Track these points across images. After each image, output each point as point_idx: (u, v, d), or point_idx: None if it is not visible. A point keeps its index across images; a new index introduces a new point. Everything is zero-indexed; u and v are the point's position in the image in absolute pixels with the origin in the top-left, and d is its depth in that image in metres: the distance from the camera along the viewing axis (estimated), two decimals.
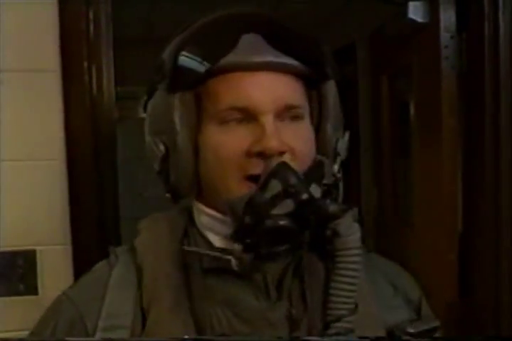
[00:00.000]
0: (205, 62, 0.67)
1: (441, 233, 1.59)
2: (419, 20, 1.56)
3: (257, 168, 0.65)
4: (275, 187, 0.63)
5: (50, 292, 1.20)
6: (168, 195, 0.73)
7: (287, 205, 0.63)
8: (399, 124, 2.06)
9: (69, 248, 1.22)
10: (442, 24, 1.50)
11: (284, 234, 0.63)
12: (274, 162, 0.65)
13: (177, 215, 0.76)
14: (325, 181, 0.70)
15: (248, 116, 0.66)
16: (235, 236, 0.65)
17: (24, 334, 1.16)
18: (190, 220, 0.74)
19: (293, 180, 0.63)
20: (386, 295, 0.75)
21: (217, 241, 0.71)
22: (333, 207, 0.63)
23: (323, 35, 0.74)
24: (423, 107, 1.73)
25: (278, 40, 0.68)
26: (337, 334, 0.65)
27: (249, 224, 0.63)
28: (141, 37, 2.61)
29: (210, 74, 0.67)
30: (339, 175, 0.73)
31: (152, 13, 2.66)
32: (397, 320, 0.72)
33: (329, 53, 0.72)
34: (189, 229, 0.74)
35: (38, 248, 1.21)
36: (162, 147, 0.69)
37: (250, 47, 0.67)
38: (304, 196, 0.63)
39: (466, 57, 1.50)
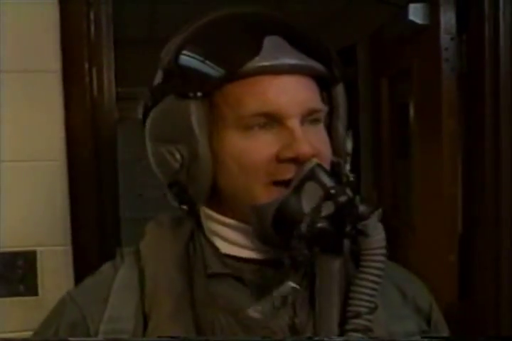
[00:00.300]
0: (228, 67, 0.64)
1: (442, 234, 1.59)
2: (420, 22, 1.56)
3: (288, 173, 0.64)
4: (313, 189, 0.62)
5: (50, 293, 1.21)
6: (184, 206, 0.71)
7: (328, 207, 0.62)
8: (399, 126, 2.06)
9: (69, 249, 1.22)
10: (442, 26, 1.50)
11: (325, 237, 0.63)
12: (308, 165, 0.63)
13: (183, 218, 0.74)
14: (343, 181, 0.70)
15: (272, 120, 0.64)
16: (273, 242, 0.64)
17: (24, 334, 1.17)
18: (197, 224, 0.73)
19: (331, 182, 0.63)
20: (394, 303, 0.74)
21: (224, 246, 0.69)
22: (362, 208, 0.63)
23: (323, 37, 0.74)
24: (423, 109, 1.74)
25: (299, 42, 0.66)
26: (354, 330, 0.64)
27: (288, 230, 0.62)
28: (141, 37, 2.61)
29: (232, 78, 0.64)
30: (352, 175, 0.71)
31: (153, 13, 2.66)
32: (406, 330, 0.71)
33: (335, 54, 0.71)
34: (195, 233, 0.72)
35: (38, 249, 1.21)
36: (178, 156, 0.66)
37: (275, 49, 0.64)
38: (344, 198, 0.62)
39: (466, 59, 1.50)
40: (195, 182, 0.67)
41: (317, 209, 0.62)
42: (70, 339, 0.68)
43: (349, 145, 0.73)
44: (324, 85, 0.70)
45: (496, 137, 1.42)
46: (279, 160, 0.64)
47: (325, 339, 0.66)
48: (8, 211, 1.20)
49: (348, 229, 0.63)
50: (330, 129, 0.71)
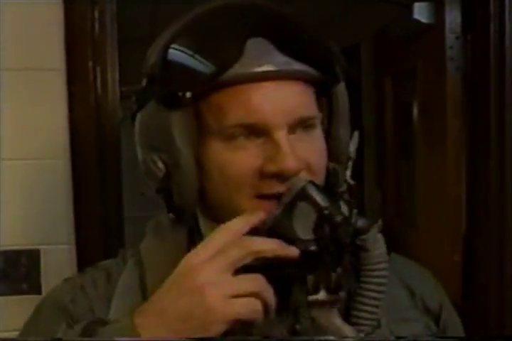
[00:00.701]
0: (207, 75, 0.59)
1: (446, 234, 1.58)
2: (424, 21, 1.56)
3: (272, 187, 0.60)
4: (306, 210, 0.58)
5: None
6: (171, 214, 0.68)
7: (322, 228, 0.58)
8: (403, 125, 2.06)
9: (73, 247, 1.22)
10: (447, 25, 1.50)
11: (320, 259, 0.59)
12: (298, 183, 0.59)
13: (182, 222, 0.71)
14: (340, 189, 0.67)
15: (258, 131, 0.60)
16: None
17: None
18: (197, 227, 0.70)
19: (324, 201, 0.58)
20: (401, 305, 0.71)
21: None
22: (360, 222, 0.60)
23: (327, 36, 0.70)
24: (427, 108, 1.73)
25: (286, 44, 0.61)
26: None
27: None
28: (145, 37, 2.60)
29: (213, 86, 0.60)
30: (352, 182, 0.68)
31: (157, 12, 2.66)
32: (411, 333, 0.68)
33: (338, 52, 0.66)
34: (195, 236, 0.70)
35: (41, 247, 1.21)
36: (161, 165, 0.63)
37: (258, 54, 0.59)
38: (339, 218, 0.58)
39: (471, 58, 1.50)
40: (179, 192, 0.64)
41: (310, 232, 0.58)
42: (76, 339, 0.67)
43: (352, 149, 0.69)
44: (322, 88, 0.65)
45: (500, 137, 1.41)
46: (262, 174, 0.60)
47: (320, 339, 0.65)
48: (12, 209, 1.19)
49: (344, 247, 0.59)
50: (329, 133, 0.67)
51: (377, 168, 2.31)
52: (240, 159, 0.60)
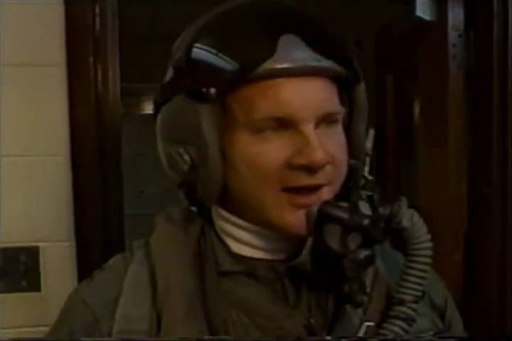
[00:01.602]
0: (240, 69, 0.61)
1: (447, 233, 1.58)
2: (427, 18, 1.55)
3: (300, 180, 0.62)
4: (332, 229, 0.62)
5: (53, 289, 1.20)
6: (193, 208, 0.70)
7: (355, 238, 0.62)
8: (404, 123, 2.05)
9: (73, 244, 1.21)
10: (450, 22, 1.49)
11: (369, 262, 0.63)
12: (314, 208, 0.62)
13: (193, 213, 0.72)
14: (359, 184, 0.69)
15: (286, 124, 0.62)
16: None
17: (27, 330, 1.16)
18: (208, 220, 0.71)
19: (346, 215, 0.62)
20: None
21: (236, 247, 0.68)
22: (387, 211, 0.64)
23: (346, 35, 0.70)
24: (429, 106, 1.72)
25: (316, 41, 0.63)
26: (395, 317, 0.65)
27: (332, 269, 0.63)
28: (146, 33, 2.60)
29: (244, 81, 0.61)
30: (370, 178, 0.70)
31: (158, 9, 2.65)
32: (420, 328, 0.69)
33: (360, 52, 0.69)
34: (206, 229, 0.70)
35: (41, 244, 1.20)
36: (187, 158, 0.64)
37: (290, 51, 0.61)
38: (365, 222, 0.61)
39: (474, 56, 1.49)
40: (204, 184, 0.65)
41: (347, 245, 0.62)
42: (82, 339, 0.67)
43: (369, 146, 0.71)
44: (344, 85, 0.67)
45: (503, 135, 1.41)
46: (290, 166, 0.62)
47: (322, 339, 0.66)
48: (12, 206, 1.19)
49: (384, 238, 0.64)
50: (349, 130, 0.69)
51: (378, 167, 2.30)
52: (268, 151, 0.62)
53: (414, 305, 0.65)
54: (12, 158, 1.19)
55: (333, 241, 0.62)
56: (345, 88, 0.67)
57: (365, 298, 0.66)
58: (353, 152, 0.68)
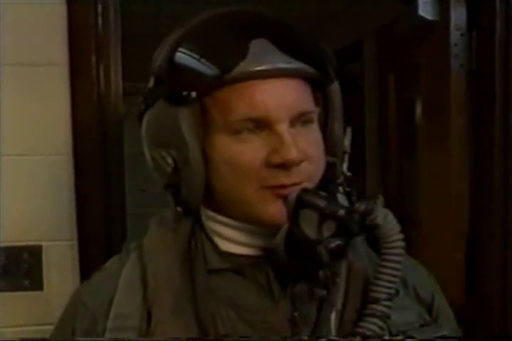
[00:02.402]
0: (214, 73, 0.64)
1: (449, 232, 1.58)
2: (429, 17, 1.54)
3: (276, 179, 0.65)
4: (309, 215, 0.64)
5: (56, 287, 1.20)
6: (179, 208, 0.72)
7: (330, 226, 0.63)
8: (406, 123, 2.05)
9: (75, 243, 1.21)
10: (452, 22, 1.48)
11: (341, 252, 0.64)
12: (293, 194, 0.64)
13: (185, 214, 0.74)
14: (338, 181, 0.72)
15: (261, 125, 0.65)
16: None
17: (29, 329, 1.16)
18: (198, 221, 0.74)
19: (322, 203, 0.64)
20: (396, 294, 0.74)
21: (223, 244, 0.71)
22: (363, 206, 0.65)
23: (330, 33, 0.73)
24: (431, 106, 1.72)
25: (286, 44, 0.66)
26: (371, 315, 0.66)
27: (305, 257, 0.64)
28: (150, 33, 2.60)
29: (219, 84, 0.65)
30: (349, 174, 0.73)
31: (160, 8, 2.65)
32: (405, 320, 0.71)
33: (331, 54, 0.72)
34: (196, 229, 0.73)
35: (43, 243, 1.20)
36: (170, 161, 0.68)
37: (261, 54, 0.64)
38: (341, 212, 0.63)
39: (476, 56, 1.48)
40: (187, 185, 0.68)
41: (322, 232, 0.63)
42: (79, 339, 0.69)
43: (347, 143, 0.74)
44: (318, 85, 0.70)
45: (505, 134, 1.40)
46: (268, 165, 0.64)
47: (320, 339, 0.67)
48: (14, 205, 1.19)
49: (358, 232, 0.65)
50: (325, 129, 0.72)
51: (380, 166, 2.30)
52: (246, 151, 0.65)
53: (388, 303, 0.66)
54: (14, 157, 1.19)
55: (308, 228, 0.64)
56: (319, 88, 0.71)
57: (341, 294, 0.69)
58: (331, 149, 0.72)
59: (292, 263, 0.66)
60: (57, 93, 1.21)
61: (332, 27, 2.69)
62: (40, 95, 1.20)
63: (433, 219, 1.69)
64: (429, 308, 0.76)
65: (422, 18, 1.55)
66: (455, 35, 1.49)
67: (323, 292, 0.67)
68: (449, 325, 0.77)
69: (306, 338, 0.67)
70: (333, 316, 0.68)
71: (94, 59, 1.22)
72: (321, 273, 0.65)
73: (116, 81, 1.25)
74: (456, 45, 1.50)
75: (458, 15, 1.48)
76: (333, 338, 0.66)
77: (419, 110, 1.89)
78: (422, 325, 0.72)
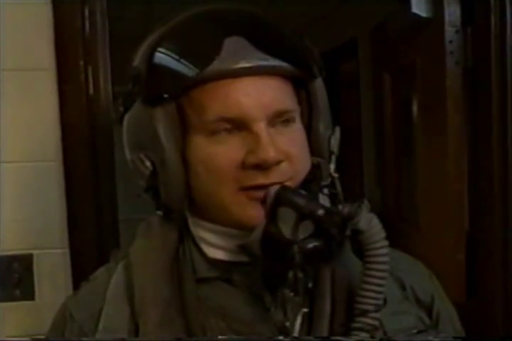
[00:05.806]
0: (188, 72, 0.63)
1: (449, 232, 1.56)
2: (423, 14, 1.54)
3: (254, 179, 0.63)
4: (287, 213, 0.62)
5: (47, 297, 1.18)
6: (159, 212, 0.71)
7: (307, 227, 0.61)
8: (402, 121, 2.03)
9: (66, 251, 1.19)
10: (447, 18, 1.47)
11: (317, 254, 0.62)
12: (272, 190, 0.62)
13: (172, 221, 0.72)
14: (323, 182, 0.70)
15: (238, 125, 0.63)
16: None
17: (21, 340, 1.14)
18: (186, 228, 0.72)
19: (301, 201, 0.62)
20: (392, 298, 0.70)
21: (210, 251, 0.69)
22: (346, 209, 0.62)
23: (324, 31, 0.71)
24: (427, 104, 1.71)
25: (262, 41, 0.64)
26: (359, 329, 0.63)
27: (280, 257, 0.62)
28: (138, 36, 2.58)
29: (193, 84, 0.63)
30: (336, 175, 0.71)
31: (150, 11, 2.63)
32: (403, 326, 0.68)
33: (314, 50, 0.69)
34: (185, 237, 0.71)
35: (34, 252, 1.18)
36: (148, 163, 0.66)
37: (235, 52, 0.63)
38: (320, 212, 0.61)
39: (472, 52, 1.47)
40: (166, 188, 0.66)
41: (298, 232, 0.61)
42: (74, 339, 0.68)
43: (334, 144, 0.71)
44: (301, 83, 0.68)
45: (502, 132, 1.39)
46: (245, 166, 0.63)
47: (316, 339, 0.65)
48: (4, 213, 1.17)
49: (338, 235, 0.62)
50: (310, 128, 0.70)
51: (377, 165, 2.29)
52: (222, 152, 0.63)
53: (376, 315, 0.64)
54: (3, 164, 1.17)
55: (285, 227, 0.62)
56: (302, 86, 0.69)
57: (328, 303, 0.66)
58: (315, 150, 0.69)
59: (265, 259, 0.64)
60: (46, 99, 1.19)
61: (326, 26, 2.67)
62: (28, 101, 1.18)
63: (432, 220, 1.67)
64: (429, 311, 0.74)
65: (415, 15, 1.55)
66: (450, 32, 1.48)
67: (290, 294, 0.64)
68: (451, 327, 0.75)
69: (306, 338, 0.66)
70: (298, 319, 0.66)
71: (82, 63, 1.20)
72: (290, 274, 0.62)
73: (105, 85, 1.23)
74: (451, 42, 1.48)
75: (452, 12, 1.47)
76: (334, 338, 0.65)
77: (415, 108, 1.88)
78: (419, 332, 0.70)
